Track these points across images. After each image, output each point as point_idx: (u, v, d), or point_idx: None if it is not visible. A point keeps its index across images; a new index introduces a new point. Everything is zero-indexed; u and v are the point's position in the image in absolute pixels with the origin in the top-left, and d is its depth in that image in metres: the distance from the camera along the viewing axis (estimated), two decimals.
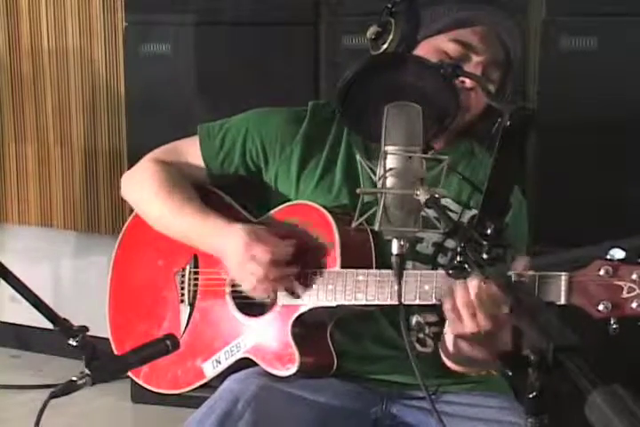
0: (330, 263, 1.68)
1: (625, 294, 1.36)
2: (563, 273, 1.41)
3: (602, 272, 1.38)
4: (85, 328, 1.30)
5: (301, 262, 1.70)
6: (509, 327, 1.48)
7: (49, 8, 3.38)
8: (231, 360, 1.78)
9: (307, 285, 1.69)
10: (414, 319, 1.73)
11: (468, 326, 1.41)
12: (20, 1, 3.43)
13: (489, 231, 1.29)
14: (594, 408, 0.85)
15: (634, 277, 1.36)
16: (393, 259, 1.28)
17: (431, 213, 1.26)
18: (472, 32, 1.72)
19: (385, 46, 1.59)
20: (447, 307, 1.43)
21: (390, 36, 1.59)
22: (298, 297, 1.70)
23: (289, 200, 1.81)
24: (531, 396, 1.01)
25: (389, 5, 1.55)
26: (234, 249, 1.71)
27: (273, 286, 1.70)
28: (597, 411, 0.85)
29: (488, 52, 1.72)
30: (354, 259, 1.67)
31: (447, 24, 1.72)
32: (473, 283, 1.39)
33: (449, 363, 1.65)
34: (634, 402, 0.84)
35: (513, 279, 1.40)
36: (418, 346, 1.72)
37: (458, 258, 1.25)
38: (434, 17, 1.72)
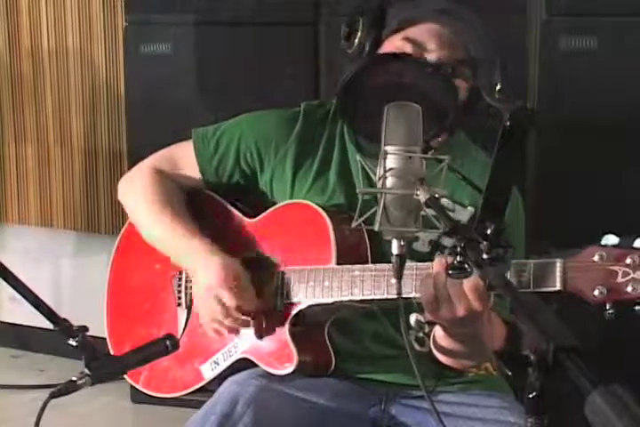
0: (325, 260, 1.68)
1: (620, 279, 1.36)
2: (557, 259, 1.41)
3: (596, 257, 1.38)
4: (85, 328, 1.30)
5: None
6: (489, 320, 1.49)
7: (49, 8, 3.38)
8: (229, 361, 1.78)
9: (302, 283, 1.69)
10: (413, 318, 1.72)
11: (461, 311, 1.41)
12: (19, 1, 3.43)
13: (489, 231, 1.29)
14: (594, 408, 0.85)
15: (628, 261, 1.36)
16: (393, 259, 1.28)
17: (430, 211, 1.26)
18: (426, 30, 1.69)
19: (356, 44, 1.59)
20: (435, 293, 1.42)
21: (358, 35, 1.59)
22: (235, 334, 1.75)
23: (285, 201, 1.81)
24: (531, 396, 1.01)
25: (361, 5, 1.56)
26: (205, 281, 1.73)
27: (223, 330, 1.74)
28: (597, 411, 0.85)
29: (442, 50, 1.68)
30: (349, 255, 1.68)
31: (399, 22, 1.70)
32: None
33: (441, 357, 1.64)
34: (634, 402, 0.84)
35: (512, 268, 1.41)
36: (417, 345, 1.72)
37: (458, 258, 1.25)
38: (393, 15, 1.71)
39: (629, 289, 1.36)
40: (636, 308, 1.37)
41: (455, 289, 1.38)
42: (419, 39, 1.69)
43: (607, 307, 1.37)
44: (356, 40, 1.64)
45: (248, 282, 1.74)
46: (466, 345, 1.52)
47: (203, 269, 1.74)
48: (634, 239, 1.37)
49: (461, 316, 1.39)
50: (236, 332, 1.75)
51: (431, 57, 1.68)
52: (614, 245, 1.38)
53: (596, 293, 1.37)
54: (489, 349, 1.59)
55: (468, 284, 1.37)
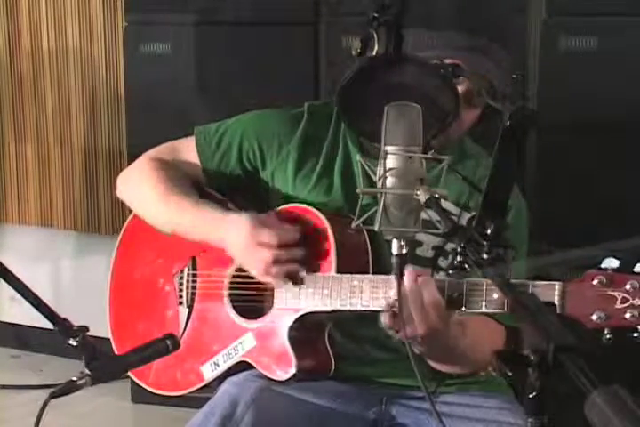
0: (326, 268, 1.67)
1: (619, 305, 1.36)
2: (556, 282, 1.41)
3: (595, 282, 1.37)
4: (85, 328, 1.30)
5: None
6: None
7: (49, 8, 3.38)
8: (229, 363, 1.77)
9: (304, 285, 1.68)
10: None
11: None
12: (20, 1, 3.43)
13: (489, 231, 1.29)
14: (594, 408, 0.85)
15: (627, 287, 1.36)
16: (393, 259, 1.28)
17: (431, 214, 1.26)
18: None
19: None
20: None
21: (375, 50, 1.57)
22: (301, 282, 1.68)
23: (286, 200, 1.80)
24: (531, 396, 1.01)
25: (375, 15, 1.54)
26: (238, 236, 1.69)
27: (283, 269, 1.67)
28: (597, 411, 0.85)
29: (469, 82, 1.68)
30: (350, 263, 1.67)
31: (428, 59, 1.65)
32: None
33: (433, 364, 1.64)
34: (634, 402, 0.84)
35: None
36: (415, 349, 1.72)
37: (458, 258, 1.25)
38: (415, 42, 1.66)
39: (628, 316, 1.36)
40: (635, 334, 1.36)
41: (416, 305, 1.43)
42: None
43: (605, 332, 1.37)
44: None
45: (276, 220, 1.70)
46: (440, 359, 1.54)
47: (231, 228, 1.70)
48: (635, 264, 1.36)
49: (422, 333, 1.44)
50: (294, 275, 1.68)
51: (460, 88, 1.65)
52: (614, 270, 1.37)
53: (594, 317, 1.37)
54: (475, 358, 1.60)
55: (429, 299, 1.42)
